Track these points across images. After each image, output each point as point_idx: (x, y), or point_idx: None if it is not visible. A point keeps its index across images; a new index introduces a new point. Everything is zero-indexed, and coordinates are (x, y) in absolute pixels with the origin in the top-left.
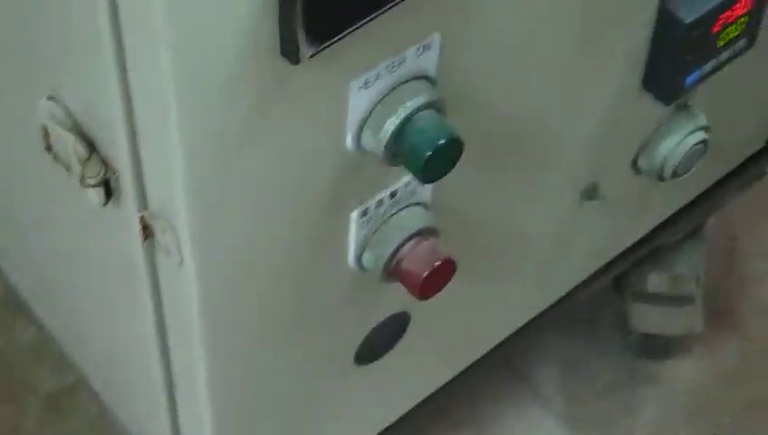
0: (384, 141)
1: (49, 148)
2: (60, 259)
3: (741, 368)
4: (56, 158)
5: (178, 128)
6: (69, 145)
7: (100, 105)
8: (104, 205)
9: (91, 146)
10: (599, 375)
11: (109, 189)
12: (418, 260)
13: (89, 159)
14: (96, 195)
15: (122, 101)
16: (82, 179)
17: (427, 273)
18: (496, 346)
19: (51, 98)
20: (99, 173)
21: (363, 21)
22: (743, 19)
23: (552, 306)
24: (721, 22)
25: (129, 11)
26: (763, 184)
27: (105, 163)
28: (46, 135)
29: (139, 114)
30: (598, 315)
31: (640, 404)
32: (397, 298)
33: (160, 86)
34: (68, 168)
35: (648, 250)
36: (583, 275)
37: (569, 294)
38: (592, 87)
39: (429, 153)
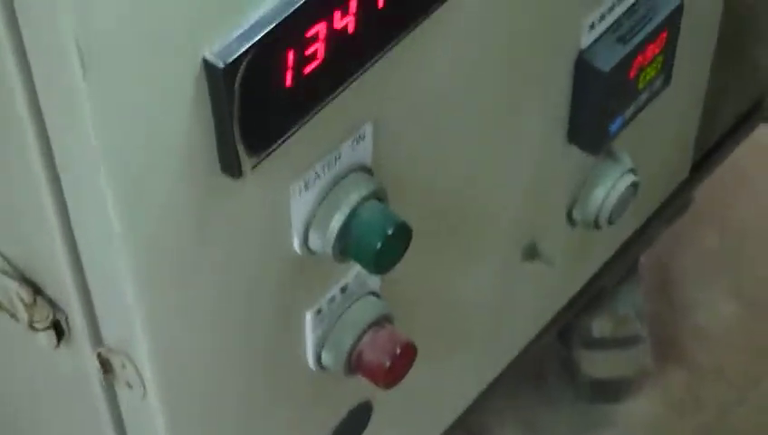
0: (332, 240)
1: None
2: (19, 403)
3: (690, 397)
4: (0, 306)
5: (126, 261)
6: (12, 292)
7: (40, 249)
8: (56, 347)
9: (36, 289)
10: (556, 427)
11: (60, 330)
12: (379, 351)
13: (34, 303)
14: (47, 338)
15: (64, 241)
16: (30, 325)
17: (389, 363)
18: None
19: None
20: (47, 316)
21: (299, 125)
22: (658, 59)
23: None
24: (637, 65)
25: (61, 148)
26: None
27: (52, 305)
28: None
29: (83, 251)
30: (545, 369)
31: None
32: (359, 389)
33: (103, 222)
34: (13, 315)
35: (589, 297)
36: (532, 334)
37: (519, 354)
38: (519, 148)
39: (380, 244)
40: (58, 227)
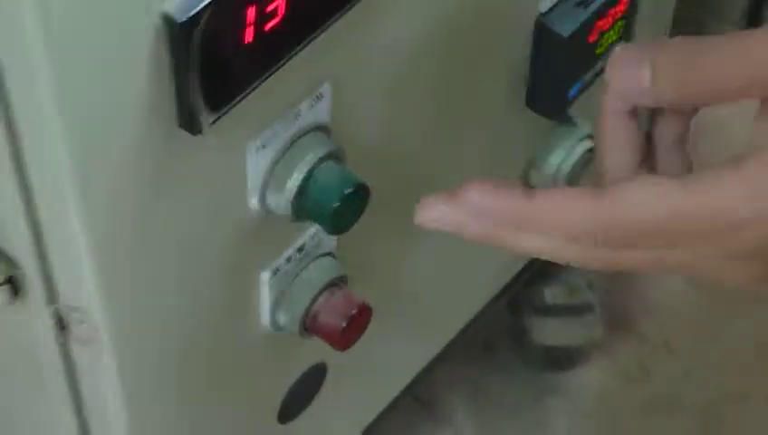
0: (289, 199)
1: None
2: None
3: (638, 368)
4: None
5: (81, 217)
6: None
7: None
8: (11, 303)
9: None
10: (505, 395)
11: (15, 286)
12: (334, 312)
13: None
14: (1, 294)
15: (20, 196)
16: None
17: (345, 323)
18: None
19: None
20: (2, 271)
21: (258, 82)
22: (619, 23)
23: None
24: (597, 30)
25: (20, 100)
26: None
27: (7, 260)
28: None
29: (39, 206)
30: (494, 337)
31: (550, 418)
32: (313, 350)
33: (58, 177)
34: None
35: (540, 265)
36: (483, 302)
37: (469, 322)
38: (476, 110)
39: (337, 204)
40: (14, 181)
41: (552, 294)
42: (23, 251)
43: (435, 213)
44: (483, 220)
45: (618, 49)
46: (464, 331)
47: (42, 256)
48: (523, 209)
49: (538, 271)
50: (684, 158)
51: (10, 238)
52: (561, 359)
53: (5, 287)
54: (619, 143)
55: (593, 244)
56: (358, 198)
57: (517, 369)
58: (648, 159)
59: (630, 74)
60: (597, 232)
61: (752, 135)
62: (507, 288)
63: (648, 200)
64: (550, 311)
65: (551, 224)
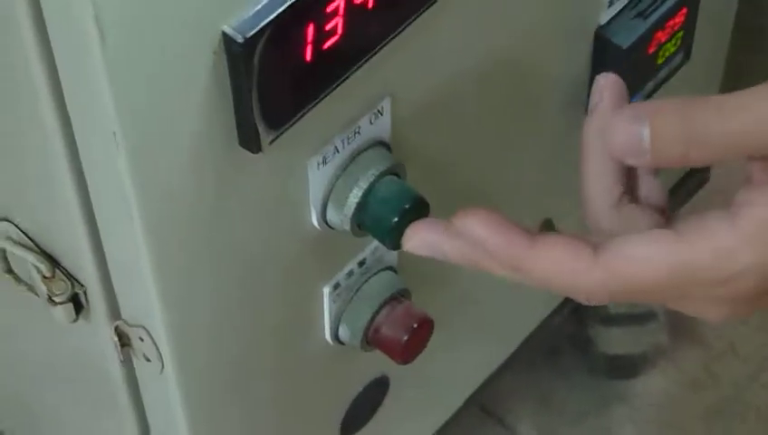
0: (350, 215)
1: (9, 270)
2: (35, 380)
3: (704, 374)
4: (18, 280)
5: (144, 234)
6: (29, 265)
7: (58, 221)
8: (74, 320)
9: (54, 262)
10: (570, 404)
11: (78, 304)
12: (396, 325)
13: (53, 276)
14: (65, 311)
15: (82, 214)
16: (49, 298)
17: (406, 337)
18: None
19: (4, 219)
20: (65, 290)
21: (318, 99)
22: (678, 34)
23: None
24: (657, 41)
25: (80, 120)
26: (704, 190)
27: (71, 278)
28: (4, 257)
29: (101, 224)
30: (560, 345)
31: (615, 425)
32: (375, 363)
33: (121, 196)
34: (31, 288)
35: None
36: (546, 312)
37: (533, 332)
38: (538, 124)
39: (396, 219)
40: (76, 200)
41: (615, 303)
42: (86, 270)
43: (429, 237)
44: (477, 250)
45: (600, 79)
46: (527, 340)
47: (104, 274)
48: (523, 253)
49: None
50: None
51: (73, 255)
52: (626, 367)
53: (69, 305)
54: (601, 173)
55: (588, 298)
56: (417, 214)
57: (582, 376)
58: (630, 187)
59: (628, 133)
60: (596, 288)
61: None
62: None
63: (648, 258)
64: (613, 320)
65: (549, 273)
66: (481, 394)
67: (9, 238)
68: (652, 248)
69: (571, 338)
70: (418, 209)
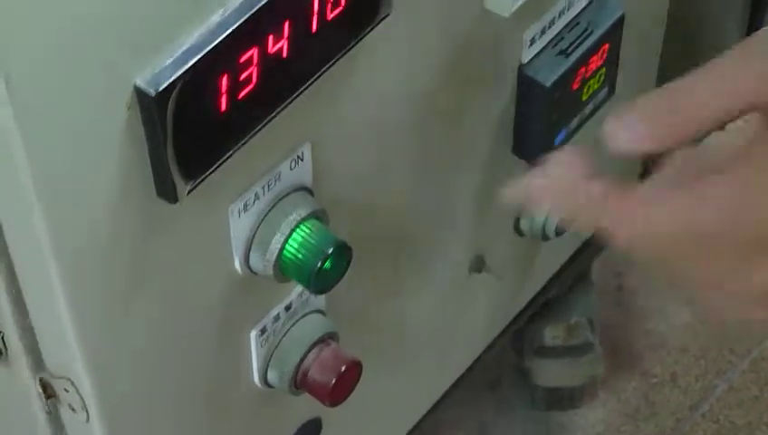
0: (272, 260)
1: None
2: None
3: (645, 404)
4: None
5: (63, 288)
6: None
7: None
8: None
9: None
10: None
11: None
12: (324, 369)
13: None
14: None
15: (1, 265)
16: None
17: (334, 380)
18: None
19: None
20: None
21: (235, 149)
22: (602, 70)
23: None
24: (580, 77)
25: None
26: None
27: None
28: None
29: (20, 275)
30: (500, 375)
31: None
32: (307, 405)
33: (38, 248)
34: None
35: (541, 305)
36: (483, 345)
37: (471, 364)
38: (463, 163)
39: (319, 264)
40: None
41: (551, 334)
42: (5, 317)
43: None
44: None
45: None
46: (468, 371)
47: (25, 323)
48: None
49: (538, 310)
50: None
51: None
52: (564, 399)
53: None
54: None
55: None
56: (340, 258)
57: (523, 408)
58: None
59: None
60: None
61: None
62: (508, 328)
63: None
64: (549, 352)
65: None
66: (420, 427)
67: None
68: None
69: (513, 369)
70: (341, 254)
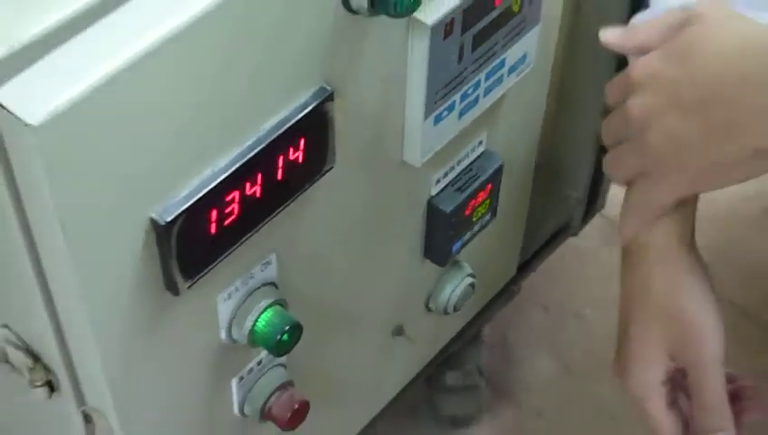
0: (246, 333)
1: (6, 361)
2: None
3: (516, 429)
4: (12, 368)
5: (99, 354)
6: (20, 359)
7: (40, 333)
8: (49, 398)
9: (36, 357)
10: None
11: (52, 387)
12: (283, 406)
13: (34, 368)
14: (42, 392)
15: (54, 331)
16: (31, 382)
17: (289, 414)
18: None
19: (5, 326)
20: (42, 378)
21: (221, 258)
22: (486, 201)
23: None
24: (471, 206)
25: (50, 268)
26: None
27: (47, 369)
28: (4, 353)
29: (69, 340)
30: (417, 404)
31: None
32: (272, 430)
33: (81, 325)
34: (21, 374)
35: (445, 357)
36: (402, 384)
37: (394, 398)
38: (388, 264)
39: (279, 337)
40: (50, 323)
41: (452, 377)
42: (58, 366)
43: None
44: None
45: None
46: (390, 404)
47: (71, 372)
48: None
49: (442, 360)
50: None
51: (49, 356)
52: (460, 422)
53: (45, 388)
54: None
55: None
56: (294, 333)
57: (432, 427)
58: None
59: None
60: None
61: None
62: (421, 373)
63: None
64: (449, 390)
65: None
66: None
67: (8, 341)
68: None
69: (425, 401)
70: (295, 330)
